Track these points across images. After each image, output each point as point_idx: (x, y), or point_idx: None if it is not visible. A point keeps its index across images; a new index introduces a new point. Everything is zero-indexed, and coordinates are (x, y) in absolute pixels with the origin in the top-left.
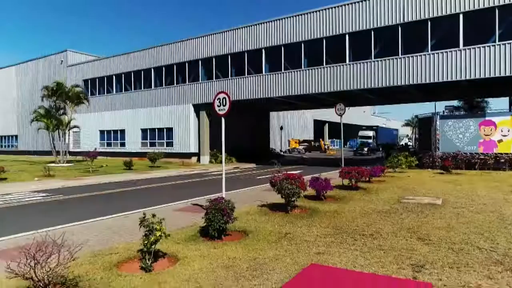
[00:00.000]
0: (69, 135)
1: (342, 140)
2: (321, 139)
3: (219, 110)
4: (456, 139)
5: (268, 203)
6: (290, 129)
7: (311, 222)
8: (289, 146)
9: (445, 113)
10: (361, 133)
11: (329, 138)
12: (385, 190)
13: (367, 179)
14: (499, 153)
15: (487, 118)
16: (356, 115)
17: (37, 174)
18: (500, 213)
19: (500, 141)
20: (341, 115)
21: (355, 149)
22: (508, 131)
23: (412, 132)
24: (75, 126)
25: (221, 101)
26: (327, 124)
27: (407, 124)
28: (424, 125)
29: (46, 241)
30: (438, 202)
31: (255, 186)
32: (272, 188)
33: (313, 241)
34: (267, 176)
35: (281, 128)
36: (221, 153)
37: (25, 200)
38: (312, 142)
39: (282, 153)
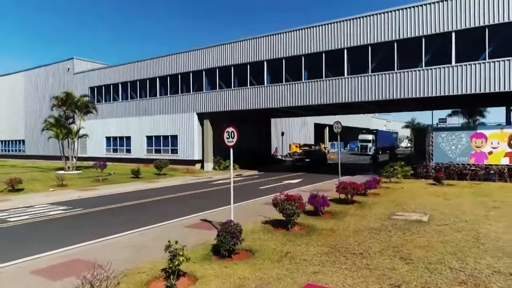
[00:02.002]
0: (78, 143)
1: (339, 152)
2: (321, 143)
3: (228, 142)
4: (449, 150)
5: (271, 219)
6: (291, 133)
7: (309, 241)
8: (290, 150)
9: (439, 125)
10: (361, 136)
11: (329, 141)
12: (378, 205)
13: (363, 191)
14: (489, 165)
15: (478, 131)
16: (356, 117)
17: (50, 184)
18: (477, 232)
19: (490, 153)
20: (338, 133)
21: (294, 158)
22: (498, 143)
23: (411, 134)
24: (84, 135)
25: (229, 134)
26: (327, 127)
27: (406, 126)
28: (419, 135)
29: (90, 261)
30: (424, 218)
31: (258, 199)
32: (275, 208)
33: (310, 260)
34: (269, 186)
35: (282, 134)
36: (224, 160)
37: (49, 214)
38: (313, 146)
39: (282, 158)
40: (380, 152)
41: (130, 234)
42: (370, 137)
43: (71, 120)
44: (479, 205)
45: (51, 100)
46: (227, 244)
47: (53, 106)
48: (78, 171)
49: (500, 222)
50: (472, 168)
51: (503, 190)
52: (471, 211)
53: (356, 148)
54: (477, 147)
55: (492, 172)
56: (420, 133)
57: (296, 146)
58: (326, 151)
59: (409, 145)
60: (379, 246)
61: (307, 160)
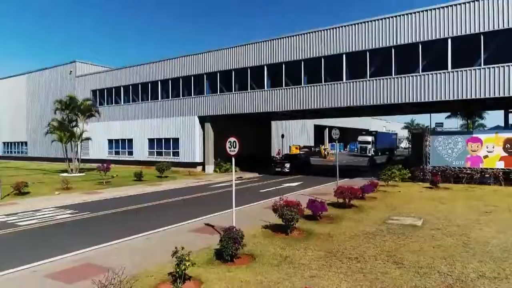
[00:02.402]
0: (80, 146)
1: (337, 154)
2: (321, 145)
3: (230, 151)
4: (446, 154)
5: (271, 224)
6: (291, 135)
7: (307, 245)
8: (290, 152)
9: (436, 130)
10: (360, 138)
11: (329, 142)
12: (375, 209)
13: (360, 195)
14: (484, 168)
15: (474, 135)
16: (356, 119)
17: (56, 187)
18: (467, 237)
19: (485, 156)
20: (336, 139)
21: (273, 164)
22: (493, 147)
23: (409, 135)
24: (87, 138)
25: (232, 144)
26: (327, 129)
27: (406, 127)
28: (417, 139)
29: (101, 266)
30: (418, 223)
31: (258, 202)
32: (274, 213)
33: (307, 264)
34: (269, 189)
35: (282, 136)
36: (225, 162)
37: (57, 218)
38: (312, 148)
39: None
40: (379, 154)
41: (136, 238)
42: (369, 138)
43: (74, 123)
44: (472, 209)
45: (54, 103)
46: (229, 249)
47: (57, 109)
48: (81, 174)
49: (490, 226)
50: (468, 171)
51: (496, 194)
52: (463, 215)
53: (355, 149)
54: (472, 151)
55: (487, 175)
56: (417, 137)
57: (296, 148)
58: (326, 152)
59: (408, 145)
60: (373, 250)
61: (287, 164)
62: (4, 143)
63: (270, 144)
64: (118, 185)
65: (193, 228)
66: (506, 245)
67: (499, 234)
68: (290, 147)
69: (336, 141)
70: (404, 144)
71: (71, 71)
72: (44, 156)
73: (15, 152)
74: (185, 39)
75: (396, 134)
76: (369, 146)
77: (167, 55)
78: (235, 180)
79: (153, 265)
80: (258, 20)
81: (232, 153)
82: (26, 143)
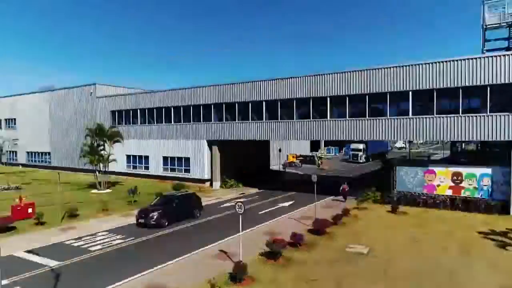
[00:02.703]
0: (107, 165)
1: (316, 181)
2: (316, 153)
3: (238, 211)
4: (408, 182)
5: (265, 251)
6: (288, 146)
7: (287, 270)
8: (287, 160)
9: (402, 160)
10: (352, 145)
11: (325, 146)
12: (340, 237)
13: (334, 223)
14: (437, 195)
15: (429, 168)
16: None
17: (95, 207)
18: (390, 264)
19: (438, 185)
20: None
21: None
22: (444, 179)
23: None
24: (113, 160)
25: (239, 206)
26: None
27: None
28: (388, 167)
29: (164, 285)
30: (364, 251)
31: (258, 226)
32: (267, 247)
33: (284, 283)
34: (267, 210)
35: (280, 150)
36: (229, 179)
37: (113, 243)
38: (307, 157)
39: (280, 169)
40: (370, 160)
41: (173, 263)
42: (361, 146)
43: (102, 148)
44: (408, 237)
45: (85, 130)
46: (239, 274)
47: (87, 135)
48: (108, 190)
49: (411, 255)
50: (424, 197)
51: (438, 219)
52: (399, 243)
53: (348, 157)
54: (429, 180)
55: (438, 201)
56: (389, 165)
57: (293, 157)
58: (319, 162)
59: (403, 145)
60: (328, 274)
61: (155, 214)
62: (27, 152)
63: (269, 160)
64: (144, 203)
65: (212, 254)
66: (415, 269)
67: (413, 261)
68: (287, 155)
69: (330, 148)
70: (399, 144)
71: (91, 92)
72: (66, 166)
73: (38, 161)
74: (185, 39)
75: None
76: (361, 153)
77: (168, 55)
78: (238, 197)
79: (191, 285)
80: (258, 20)
81: (240, 212)
82: (49, 153)
